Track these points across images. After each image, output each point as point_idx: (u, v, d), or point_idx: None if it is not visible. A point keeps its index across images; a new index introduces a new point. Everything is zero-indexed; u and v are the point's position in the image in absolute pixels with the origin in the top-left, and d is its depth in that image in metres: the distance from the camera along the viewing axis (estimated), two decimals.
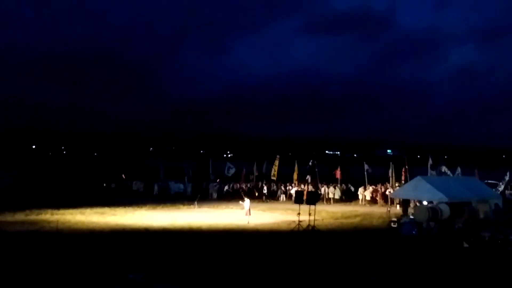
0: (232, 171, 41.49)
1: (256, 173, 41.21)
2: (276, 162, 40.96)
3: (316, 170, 38.36)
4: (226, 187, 40.10)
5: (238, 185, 40.48)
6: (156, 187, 41.19)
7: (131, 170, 50.25)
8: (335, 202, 36.93)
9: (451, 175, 35.01)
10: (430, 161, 35.43)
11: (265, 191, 38.70)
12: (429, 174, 33.72)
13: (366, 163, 37.99)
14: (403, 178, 34.72)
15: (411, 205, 29.10)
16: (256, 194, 38.34)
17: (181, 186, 41.09)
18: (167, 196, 38.46)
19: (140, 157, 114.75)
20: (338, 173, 39.44)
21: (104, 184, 43.76)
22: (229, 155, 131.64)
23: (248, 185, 40.21)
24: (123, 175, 44.74)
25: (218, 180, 40.98)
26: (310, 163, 38.24)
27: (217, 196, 38.98)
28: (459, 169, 36.42)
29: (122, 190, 41.47)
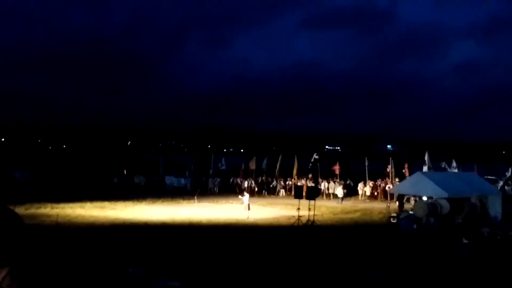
0: (223, 167, 42.17)
1: (253, 167, 41.16)
2: (279, 158, 41.13)
3: (318, 164, 38.47)
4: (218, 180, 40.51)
5: (237, 179, 40.55)
6: (150, 182, 41.24)
7: (133, 164, 50.28)
8: (335, 198, 36.96)
9: (449, 169, 35.03)
10: (427, 156, 35.26)
11: (252, 185, 38.59)
12: (423, 170, 33.51)
13: (367, 159, 37.94)
14: (407, 174, 34.65)
15: (411, 201, 29.15)
16: (256, 189, 38.37)
17: (181, 180, 41.13)
18: (165, 190, 38.52)
19: (142, 151, 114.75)
20: (337, 169, 39.43)
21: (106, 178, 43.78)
22: (230, 150, 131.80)
23: (258, 180, 40.06)
24: (124, 170, 44.78)
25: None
26: (315, 156, 38.39)
27: (217, 190, 39.12)
28: (454, 163, 36.39)
29: (123, 184, 41.51)
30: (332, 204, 32.46)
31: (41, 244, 15.92)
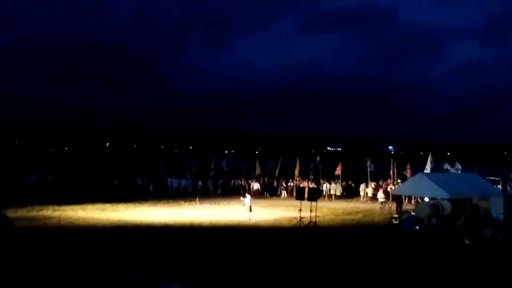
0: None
1: (258, 171, 41.18)
2: (280, 159, 41.19)
3: (320, 166, 38.53)
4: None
5: (239, 181, 40.57)
6: (151, 184, 41.32)
7: (135, 167, 50.40)
8: (337, 199, 36.96)
9: (452, 171, 34.97)
10: (430, 158, 35.17)
11: (257, 187, 38.63)
12: (424, 171, 33.44)
13: (369, 160, 37.86)
14: (408, 175, 34.64)
15: (412, 201, 29.10)
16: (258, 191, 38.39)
17: (183, 182, 41.17)
18: (166, 192, 38.58)
19: (143, 153, 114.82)
20: (338, 170, 39.29)
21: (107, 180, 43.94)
22: (231, 151, 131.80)
23: (259, 181, 40.07)
24: (130, 171, 44.91)
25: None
26: (318, 159, 38.57)
27: (220, 192, 39.22)
28: (458, 165, 36.32)
29: (125, 186, 41.54)
30: (334, 205, 32.43)
31: (32, 246, 15.96)
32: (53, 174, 43.92)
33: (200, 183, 39.77)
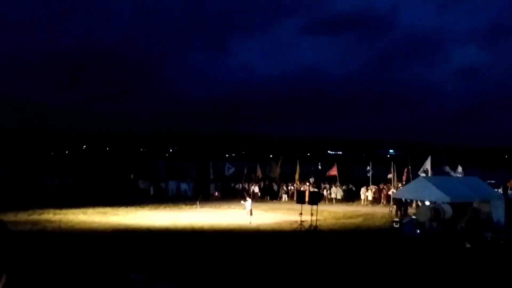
0: (231, 171, 42.10)
1: (259, 174, 41.18)
2: (279, 163, 41.19)
3: (318, 175, 38.71)
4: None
5: (240, 185, 40.57)
6: (152, 188, 41.31)
7: (136, 170, 50.44)
8: (337, 202, 36.90)
9: (453, 174, 34.92)
10: (428, 161, 35.00)
11: (256, 190, 38.70)
12: (420, 174, 33.31)
13: (371, 164, 37.80)
14: (404, 178, 34.63)
15: (413, 205, 29.04)
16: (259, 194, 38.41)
17: (183, 186, 41.17)
18: (167, 196, 38.55)
19: (142, 157, 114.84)
20: (334, 171, 39.08)
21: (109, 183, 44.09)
22: (232, 155, 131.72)
23: (260, 185, 40.14)
24: (131, 175, 44.97)
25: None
26: (319, 166, 38.69)
27: (220, 195, 39.22)
28: (459, 168, 36.28)
29: (126, 190, 41.54)
30: (334, 209, 32.39)
31: (28, 249, 15.96)
32: (71, 178, 44.24)
33: (212, 186, 39.87)
